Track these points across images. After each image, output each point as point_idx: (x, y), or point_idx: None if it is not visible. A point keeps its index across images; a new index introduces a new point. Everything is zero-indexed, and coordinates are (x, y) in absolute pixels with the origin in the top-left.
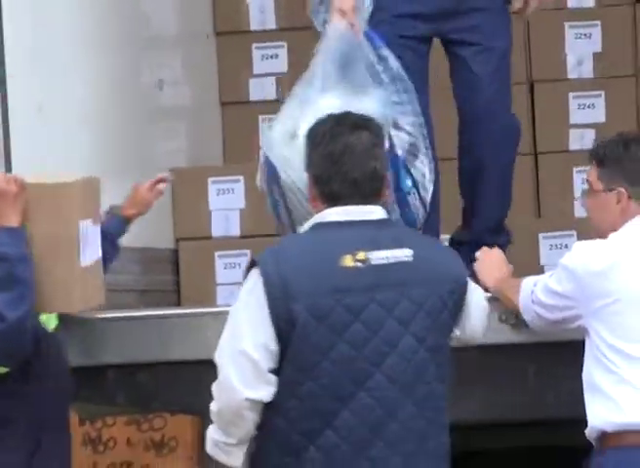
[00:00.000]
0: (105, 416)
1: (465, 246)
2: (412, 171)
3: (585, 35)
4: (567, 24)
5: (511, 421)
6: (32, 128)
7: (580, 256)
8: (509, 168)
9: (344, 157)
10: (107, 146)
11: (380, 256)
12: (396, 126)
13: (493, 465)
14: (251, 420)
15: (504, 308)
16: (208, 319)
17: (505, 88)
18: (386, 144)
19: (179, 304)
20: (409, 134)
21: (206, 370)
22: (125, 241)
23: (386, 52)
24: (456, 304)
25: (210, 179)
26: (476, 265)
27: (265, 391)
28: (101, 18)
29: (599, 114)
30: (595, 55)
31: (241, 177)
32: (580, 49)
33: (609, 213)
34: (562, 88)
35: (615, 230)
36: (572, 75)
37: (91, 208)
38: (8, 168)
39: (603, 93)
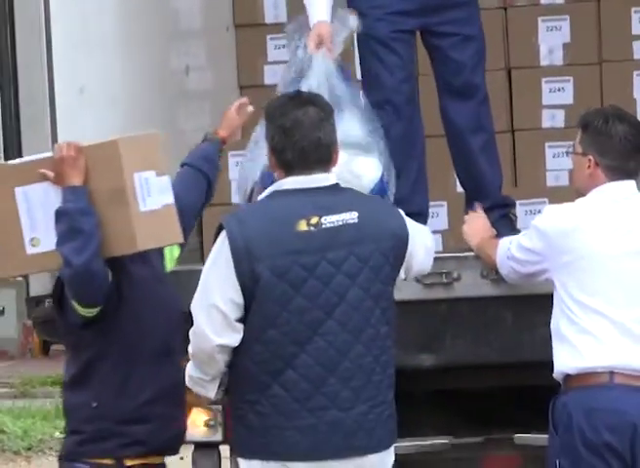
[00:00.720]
0: None
1: None
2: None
3: (556, 28)
4: (540, 19)
5: (493, 363)
6: (74, 107)
7: (549, 218)
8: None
9: (294, 129)
10: (139, 124)
11: (330, 221)
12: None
13: (477, 402)
14: (222, 361)
15: (486, 266)
16: None
17: (482, 68)
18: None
19: (202, 262)
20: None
21: None
22: None
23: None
24: (396, 257)
25: (229, 153)
26: (463, 228)
27: (233, 338)
28: (136, 12)
29: (568, 97)
30: (565, 45)
31: None
32: (552, 40)
33: (581, 174)
34: (535, 74)
35: (583, 195)
36: (544, 63)
37: (151, 160)
38: (54, 141)
39: (571, 78)
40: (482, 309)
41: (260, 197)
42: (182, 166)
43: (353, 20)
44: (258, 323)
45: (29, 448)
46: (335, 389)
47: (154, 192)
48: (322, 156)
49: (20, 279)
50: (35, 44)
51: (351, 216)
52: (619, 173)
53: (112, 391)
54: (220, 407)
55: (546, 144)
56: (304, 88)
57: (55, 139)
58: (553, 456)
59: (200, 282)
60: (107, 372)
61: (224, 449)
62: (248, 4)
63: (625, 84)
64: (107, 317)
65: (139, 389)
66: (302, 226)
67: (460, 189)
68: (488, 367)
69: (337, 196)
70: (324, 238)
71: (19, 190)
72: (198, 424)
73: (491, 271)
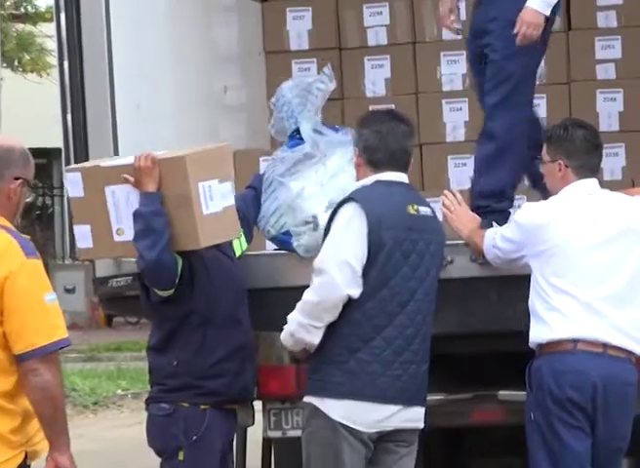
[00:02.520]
0: None
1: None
2: None
3: None
4: None
5: (480, 332)
6: (132, 121)
7: (527, 213)
8: None
9: (389, 136)
10: (186, 135)
11: (422, 210)
12: None
13: (467, 364)
14: (338, 311)
15: (474, 252)
16: (259, 258)
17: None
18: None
19: None
20: None
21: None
22: None
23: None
24: (442, 253)
25: (261, 158)
26: (452, 218)
27: (357, 291)
28: (184, 40)
29: (542, 110)
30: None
31: None
32: None
33: (554, 178)
34: None
35: (556, 194)
36: None
37: (217, 169)
38: (115, 152)
39: (545, 95)
40: (471, 287)
41: (360, 183)
42: (248, 187)
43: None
44: (374, 283)
45: (96, 403)
46: (417, 348)
47: (216, 197)
48: (405, 161)
49: (88, 263)
50: (100, 70)
51: (428, 210)
52: (585, 170)
53: (190, 352)
54: None
55: None
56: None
57: (116, 148)
58: (529, 410)
59: (330, 242)
60: (186, 338)
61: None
62: (276, 34)
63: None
64: (183, 294)
65: (212, 350)
66: (410, 210)
67: (453, 187)
68: (476, 335)
69: (418, 193)
70: (422, 222)
71: (108, 189)
72: None
73: (479, 256)
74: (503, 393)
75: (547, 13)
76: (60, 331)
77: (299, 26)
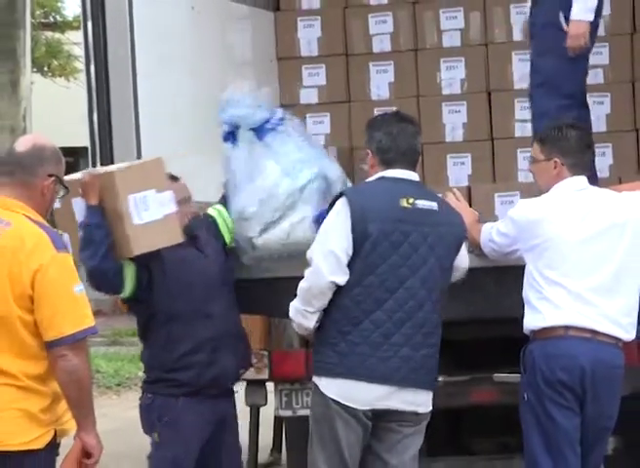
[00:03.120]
0: None
1: None
2: None
3: (527, 60)
4: (513, 53)
5: (477, 319)
6: (153, 123)
7: (521, 210)
8: None
9: (400, 136)
10: (202, 135)
11: (421, 204)
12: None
13: (465, 349)
14: (328, 297)
15: (471, 245)
16: None
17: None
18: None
19: None
20: None
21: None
22: (218, 197)
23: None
24: (457, 245)
25: None
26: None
27: (342, 278)
28: (203, 47)
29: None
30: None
31: None
32: (523, 69)
33: (547, 176)
34: (510, 96)
35: (547, 191)
36: (517, 86)
37: (153, 181)
38: (138, 150)
39: None
40: (469, 277)
41: (368, 180)
42: None
43: None
44: (361, 270)
45: (119, 385)
46: (410, 332)
47: (154, 206)
48: (414, 159)
49: None
50: (123, 74)
51: (434, 205)
52: (578, 168)
53: (158, 348)
54: (265, 352)
55: (518, 150)
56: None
57: (138, 147)
58: (522, 391)
59: (319, 234)
60: (154, 333)
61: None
62: (287, 41)
63: None
64: (144, 297)
65: (177, 345)
66: (404, 203)
67: (452, 184)
68: (473, 322)
69: (422, 189)
70: (417, 215)
71: (74, 200)
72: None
73: (475, 249)
74: (498, 375)
75: (591, 18)
76: (88, 320)
77: (309, 34)
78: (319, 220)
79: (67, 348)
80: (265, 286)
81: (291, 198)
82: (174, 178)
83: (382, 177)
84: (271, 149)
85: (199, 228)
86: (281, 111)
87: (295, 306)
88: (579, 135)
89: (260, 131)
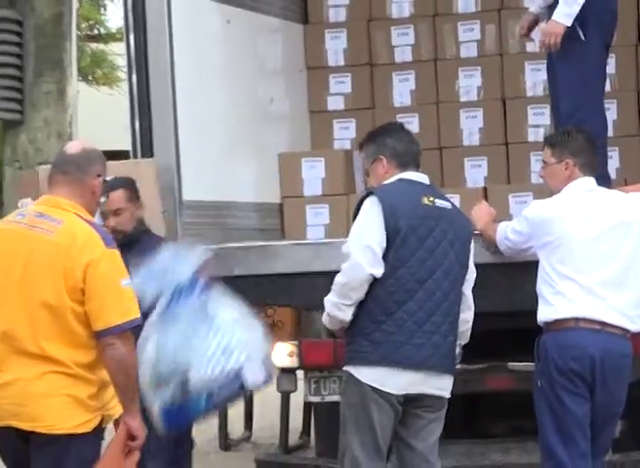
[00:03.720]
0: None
1: None
2: None
3: (538, 69)
4: (526, 63)
5: (492, 312)
6: (192, 128)
7: (535, 209)
8: None
9: (411, 142)
10: (239, 138)
11: (439, 202)
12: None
13: (481, 339)
14: (365, 289)
15: (488, 243)
16: (300, 247)
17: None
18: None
19: (283, 238)
20: None
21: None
22: (249, 197)
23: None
24: (468, 243)
25: (302, 159)
26: (472, 213)
27: (379, 270)
28: (237, 57)
29: (546, 119)
30: (544, 81)
31: (322, 159)
32: (535, 78)
33: (559, 177)
34: (523, 104)
35: (559, 192)
36: (529, 94)
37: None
38: (177, 154)
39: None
40: (484, 272)
41: (388, 182)
42: None
43: None
44: (393, 263)
45: None
46: (439, 320)
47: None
48: (419, 163)
49: None
50: (163, 83)
51: (447, 205)
52: (587, 168)
53: None
54: (297, 341)
55: (531, 153)
56: None
57: (177, 151)
58: (536, 379)
59: (354, 230)
60: None
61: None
62: (316, 52)
63: None
64: None
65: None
66: (425, 201)
67: (469, 185)
68: (488, 314)
69: (436, 190)
70: (437, 212)
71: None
72: (281, 355)
73: (491, 246)
74: (512, 364)
75: (569, 23)
76: (134, 312)
77: (335, 45)
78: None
79: (115, 337)
80: (299, 279)
81: None
82: (118, 187)
83: (401, 179)
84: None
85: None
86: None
87: (331, 300)
88: (585, 137)
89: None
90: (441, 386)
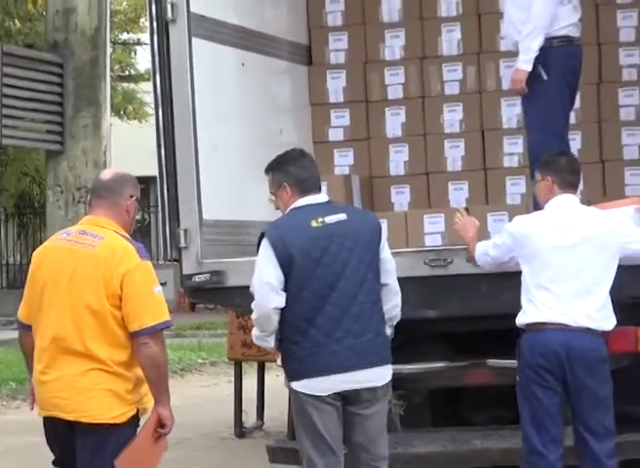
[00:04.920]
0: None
1: None
2: None
3: (513, 104)
4: (502, 99)
5: (472, 315)
6: (210, 157)
7: (516, 224)
8: None
9: (308, 168)
10: (252, 167)
11: (329, 219)
12: None
13: (462, 340)
14: (275, 320)
15: (470, 253)
16: None
17: None
18: None
19: None
20: None
21: None
22: (262, 216)
23: None
24: (378, 238)
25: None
26: (458, 227)
27: (280, 301)
28: (250, 95)
29: (520, 147)
30: (517, 114)
31: (325, 182)
32: (510, 112)
33: (544, 193)
34: (500, 134)
35: (544, 206)
36: (505, 126)
37: None
38: (197, 180)
39: (521, 136)
40: (466, 281)
41: (282, 216)
42: None
43: None
44: (295, 288)
45: (182, 369)
46: (349, 324)
47: None
48: (320, 185)
49: (176, 263)
50: (185, 118)
51: (342, 216)
52: (567, 185)
53: None
54: None
55: (506, 178)
56: None
57: (198, 177)
58: (516, 374)
59: (255, 271)
60: None
61: None
62: (319, 90)
63: None
64: None
65: None
66: (314, 223)
67: (452, 205)
68: (469, 317)
69: (330, 206)
70: (329, 229)
71: None
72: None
73: (471, 260)
74: (491, 361)
75: (529, 68)
76: (165, 315)
77: (336, 84)
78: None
79: (148, 337)
80: None
81: None
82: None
83: (293, 208)
84: None
85: None
86: None
87: (254, 334)
88: (567, 159)
89: None
90: (370, 378)
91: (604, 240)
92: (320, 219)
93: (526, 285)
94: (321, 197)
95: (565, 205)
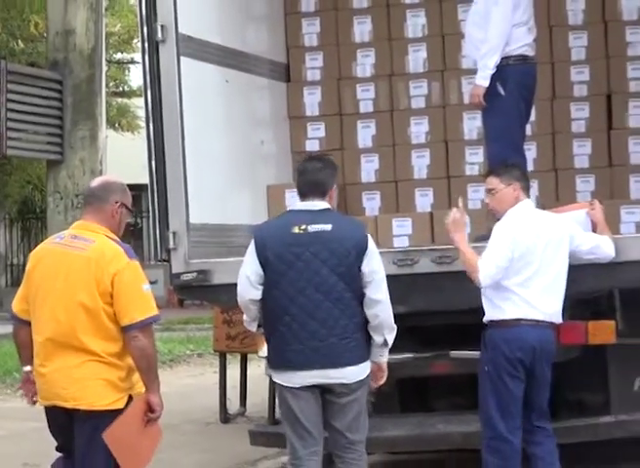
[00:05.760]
0: (233, 309)
1: None
2: None
3: (474, 118)
4: (464, 113)
5: (436, 310)
6: (198, 166)
7: (508, 228)
8: None
9: (312, 175)
10: (236, 174)
11: (313, 228)
12: None
13: (427, 333)
14: (253, 309)
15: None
16: None
17: None
18: None
19: None
20: None
21: None
22: (244, 220)
23: None
24: (358, 252)
25: (286, 190)
26: (447, 222)
27: (255, 294)
28: (234, 109)
29: (480, 157)
30: (478, 127)
31: None
32: (471, 125)
33: (509, 200)
34: (462, 145)
35: (503, 215)
36: (467, 138)
37: None
38: (185, 188)
39: (481, 147)
40: (430, 279)
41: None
42: None
43: None
44: (268, 286)
45: (172, 360)
46: (314, 328)
47: None
48: (319, 190)
49: (166, 263)
50: (174, 130)
51: (327, 227)
52: (527, 190)
53: None
54: None
55: (468, 185)
56: None
57: (185, 185)
58: (483, 364)
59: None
60: None
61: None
62: (297, 104)
63: None
64: None
65: None
66: (296, 229)
67: (418, 210)
68: (433, 312)
69: (321, 215)
70: (308, 237)
71: None
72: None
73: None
74: (453, 352)
75: (486, 84)
76: (153, 310)
77: (312, 99)
78: None
79: (138, 331)
80: None
81: None
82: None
83: (287, 211)
84: None
85: None
86: None
87: (244, 318)
88: (519, 167)
89: None
90: (338, 376)
91: (563, 241)
92: (303, 227)
93: (502, 283)
94: (317, 204)
95: (529, 209)
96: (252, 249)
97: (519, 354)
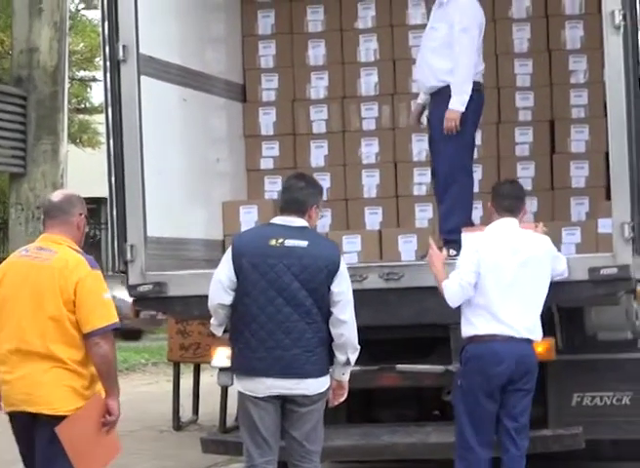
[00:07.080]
0: (187, 320)
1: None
2: None
3: (422, 140)
4: (413, 135)
5: (385, 325)
6: (156, 181)
7: (474, 242)
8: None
9: (291, 193)
10: (192, 191)
11: (289, 242)
12: None
13: (376, 347)
14: (221, 314)
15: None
16: None
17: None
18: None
19: None
20: None
21: None
22: (199, 234)
23: None
24: (329, 271)
25: (240, 206)
26: (428, 259)
27: (226, 299)
28: (192, 128)
29: (427, 178)
30: (426, 149)
31: (256, 206)
32: (420, 146)
33: (488, 218)
34: (410, 166)
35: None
36: (415, 159)
37: None
38: (143, 201)
39: (429, 168)
40: (378, 295)
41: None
42: None
43: None
44: (240, 293)
45: (127, 368)
46: (280, 338)
47: None
48: (297, 208)
49: (123, 275)
50: (133, 146)
51: (303, 243)
52: (502, 210)
53: None
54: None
55: (415, 204)
56: None
57: (144, 199)
58: (457, 378)
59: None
60: None
61: None
62: (252, 124)
63: None
64: None
65: None
66: (273, 242)
67: (367, 228)
68: (381, 327)
69: (298, 231)
70: (284, 251)
71: None
72: (221, 357)
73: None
74: (399, 366)
75: (463, 109)
76: (114, 318)
77: (267, 119)
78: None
79: (99, 338)
80: None
81: None
82: None
83: (268, 224)
84: None
85: None
86: None
87: (211, 321)
88: (507, 187)
89: None
90: (300, 387)
91: (544, 260)
92: (280, 240)
93: (475, 300)
94: (296, 221)
95: (505, 227)
96: (228, 255)
97: (496, 368)
